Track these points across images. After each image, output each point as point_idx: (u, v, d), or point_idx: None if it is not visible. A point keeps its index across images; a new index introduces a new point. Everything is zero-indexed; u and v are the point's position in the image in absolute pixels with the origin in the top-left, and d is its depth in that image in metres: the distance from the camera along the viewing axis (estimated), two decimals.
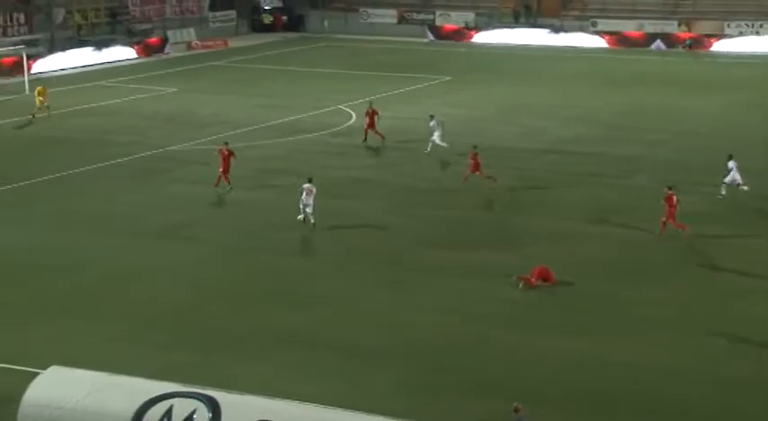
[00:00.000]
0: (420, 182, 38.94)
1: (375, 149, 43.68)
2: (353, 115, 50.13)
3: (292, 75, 63.05)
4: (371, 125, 43.70)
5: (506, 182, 37.48)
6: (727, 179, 35.57)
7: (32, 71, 58.73)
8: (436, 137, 41.88)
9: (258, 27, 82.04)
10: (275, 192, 37.61)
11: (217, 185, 37.23)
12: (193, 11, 78.03)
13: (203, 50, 72.78)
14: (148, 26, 73.60)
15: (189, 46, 73.65)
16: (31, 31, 66.42)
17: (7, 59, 60.53)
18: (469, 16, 78.73)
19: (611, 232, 32.75)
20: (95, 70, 63.83)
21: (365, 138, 43.98)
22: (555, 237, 32.21)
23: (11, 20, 65.74)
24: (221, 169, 37.27)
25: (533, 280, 28.17)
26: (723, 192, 35.75)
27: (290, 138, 45.39)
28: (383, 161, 42.17)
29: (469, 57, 70.14)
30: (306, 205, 33.17)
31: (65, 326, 25.71)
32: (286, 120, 49.37)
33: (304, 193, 33.19)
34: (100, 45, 67.44)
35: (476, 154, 37.46)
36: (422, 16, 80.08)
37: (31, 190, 37.70)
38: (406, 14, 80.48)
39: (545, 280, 28.31)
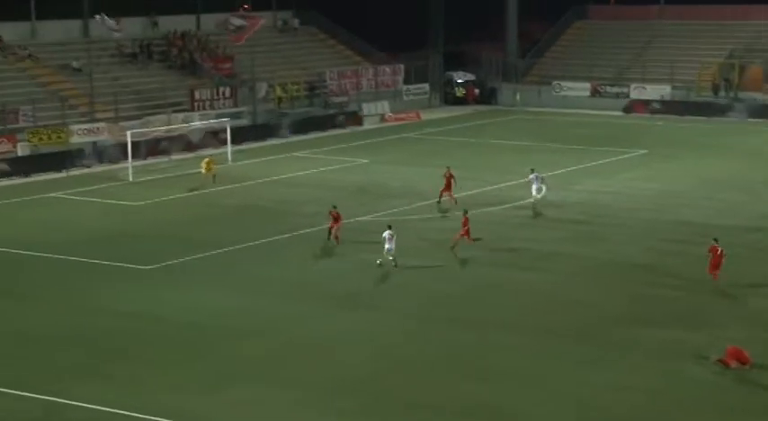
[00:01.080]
0: (610, 255, 38.24)
1: (571, 222, 43.23)
2: (543, 188, 49.75)
3: (483, 147, 63.22)
4: (447, 188, 45.78)
5: (701, 259, 36.29)
6: None
7: (234, 143, 60.82)
8: (534, 190, 44.78)
9: (451, 100, 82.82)
10: (463, 263, 37.56)
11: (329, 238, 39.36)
12: (388, 84, 79.57)
13: (396, 123, 73.90)
14: (344, 99, 75.43)
15: (382, 118, 74.93)
16: (235, 105, 69.11)
17: (213, 130, 62.91)
18: (665, 89, 77.38)
19: None
20: (292, 142, 65.58)
21: (439, 201, 46.22)
22: (752, 318, 30.89)
23: (218, 94, 68.65)
24: (331, 228, 39.58)
25: (729, 361, 27.05)
26: None
27: (479, 210, 45.36)
28: (573, 234, 41.70)
29: (666, 130, 68.81)
30: (389, 250, 36.36)
31: (250, 391, 26.15)
32: (475, 191, 49.47)
33: (386, 241, 36.28)
34: (298, 117, 69.42)
35: (466, 219, 38.19)
36: (616, 89, 79.19)
37: (227, 256, 38.87)
38: (599, 87, 79.78)
39: (740, 362, 27.14)
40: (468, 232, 38.52)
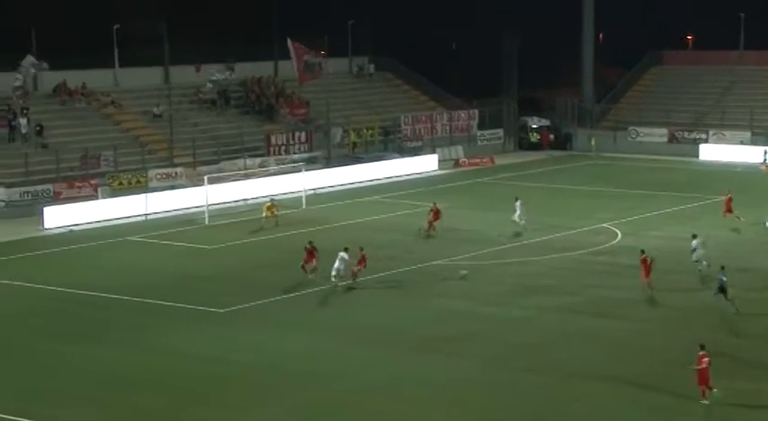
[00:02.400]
0: (687, 303, 37.80)
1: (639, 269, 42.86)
2: (619, 234, 49.42)
3: (557, 192, 62.94)
4: (435, 220, 49.53)
5: None
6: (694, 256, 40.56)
7: (309, 187, 61.37)
8: (516, 216, 49.27)
9: (525, 145, 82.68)
10: (532, 311, 37.45)
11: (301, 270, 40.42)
12: (463, 129, 79.79)
13: (470, 168, 73.95)
14: (418, 143, 75.76)
15: (456, 163, 75.09)
16: (311, 149, 69.81)
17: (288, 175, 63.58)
18: (746, 135, 76.43)
19: None
20: (366, 186, 65.96)
21: (427, 233, 49.55)
22: None
23: (293, 138, 69.42)
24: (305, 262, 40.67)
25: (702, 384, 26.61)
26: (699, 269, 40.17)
27: (553, 256, 45.14)
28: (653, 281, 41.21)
29: (745, 176, 67.97)
30: (337, 269, 38.38)
31: None
32: (549, 237, 49.29)
33: (338, 261, 38.47)
34: (372, 161, 69.87)
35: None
36: (694, 135, 78.46)
37: (300, 300, 39.16)
38: (677, 133, 79.11)
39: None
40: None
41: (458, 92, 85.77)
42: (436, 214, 50.29)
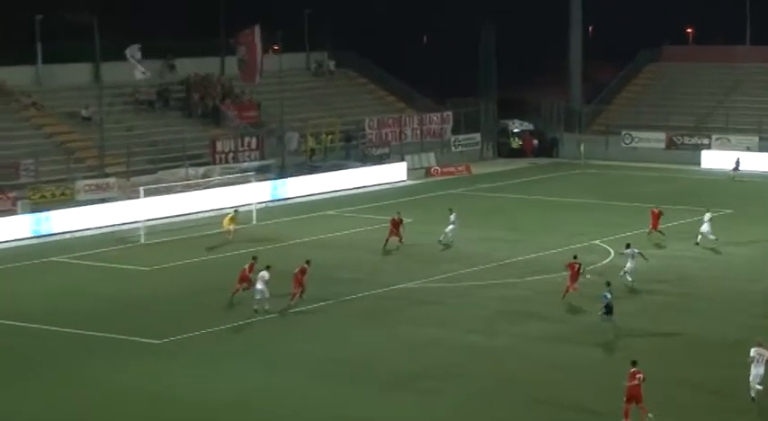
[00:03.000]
0: (694, 331, 37.81)
1: (646, 292, 43.00)
2: (611, 252, 49.36)
3: (541, 205, 62.89)
4: (396, 232, 50.62)
5: None
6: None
7: (260, 199, 60.95)
8: (449, 230, 50.98)
9: (505, 152, 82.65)
10: (516, 339, 37.26)
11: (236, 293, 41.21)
12: (435, 133, 79.65)
13: (444, 177, 73.80)
14: (385, 150, 75.55)
15: (428, 172, 74.93)
16: (262, 157, 69.45)
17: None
18: (753, 141, 76.75)
19: None
20: (325, 199, 65.68)
21: (385, 245, 50.53)
22: None
23: (242, 144, 68.96)
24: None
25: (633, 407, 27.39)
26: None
27: (539, 277, 45.00)
28: (650, 307, 41.37)
29: (755, 186, 68.17)
30: (260, 292, 39.10)
31: None
32: (532, 256, 49.22)
33: (259, 282, 39.08)
34: (332, 171, 69.57)
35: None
36: (695, 140, 78.69)
37: (250, 329, 38.81)
38: (676, 138, 79.34)
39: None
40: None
41: (429, 92, 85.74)
42: (396, 226, 50.97)
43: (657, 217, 52.40)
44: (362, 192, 68.39)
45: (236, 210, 54.35)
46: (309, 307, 41.13)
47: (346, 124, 76.55)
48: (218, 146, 67.91)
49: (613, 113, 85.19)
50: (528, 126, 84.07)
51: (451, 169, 75.57)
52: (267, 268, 40.41)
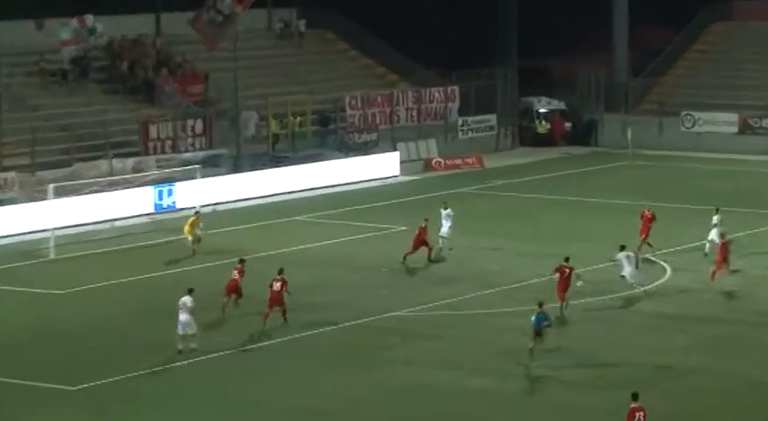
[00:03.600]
0: (759, 372, 37.98)
1: (704, 321, 43.24)
2: (667, 270, 49.52)
3: (576, 208, 62.85)
4: (422, 242, 50.87)
5: None
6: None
7: (208, 201, 60.87)
8: (444, 232, 52.41)
9: (529, 139, 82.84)
10: (539, 384, 37.42)
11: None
12: (437, 115, 79.58)
13: (447, 172, 73.80)
14: (371, 137, 75.46)
15: (427, 165, 74.92)
16: (210, 145, 69.39)
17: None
18: None
19: None
20: (293, 201, 65.65)
21: (406, 257, 50.90)
22: None
23: (184, 129, 68.86)
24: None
25: None
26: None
27: (570, 303, 44.97)
28: (708, 340, 41.54)
29: None
30: (184, 325, 38.94)
31: None
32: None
33: (181, 311, 39.00)
34: (302, 163, 69.58)
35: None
36: None
37: (191, 371, 38.66)
38: (751, 121, 79.46)
39: None
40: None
41: (430, 60, 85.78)
42: (421, 234, 51.00)
43: (650, 221, 52.47)
44: (342, 191, 68.38)
45: (197, 212, 54.31)
46: (270, 342, 41.09)
47: (321, 103, 76.71)
48: (153, 131, 67.96)
49: (669, 88, 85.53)
50: (558, 105, 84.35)
51: (458, 161, 75.65)
52: (189, 292, 40.19)
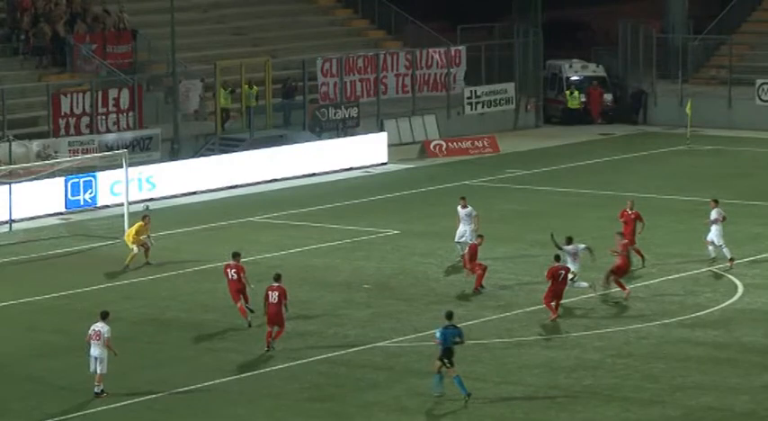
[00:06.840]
0: None
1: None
2: (739, 286, 49.76)
3: (617, 205, 62.92)
4: (473, 260, 50.85)
5: None
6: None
7: (140, 196, 61.03)
8: (466, 236, 53.18)
9: (558, 115, 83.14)
10: None
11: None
12: (437, 84, 79.65)
13: (450, 158, 74.05)
14: (350, 113, 75.50)
15: (425, 149, 75.10)
16: (139, 124, 69.53)
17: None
18: None
19: None
20: (249, 196, 66.17)
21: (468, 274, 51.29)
22: None
23: (105, 103, 68.85)
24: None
25: None
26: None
27: (617, 329, 45.27)
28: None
29: None
30: (97, 359, 39.58)
31: None
32: (609, 291, 49.61)
33: (93, 345, 39.57)
34: (260, 147, 69.74)
35: None
36: None
37: (128, 414, 38.86)
38: None
39: None
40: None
41: (428, 12, 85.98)
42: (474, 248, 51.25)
43: (635, 222, 53.13)
44: (312, 183, 68.73)
45: (145, 215, 54.40)
46: (226, 379, 41.15)
47: (285, 68, 76.85)
48: (64, 104, 68.14)
49: (740, 50, 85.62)
50: (596, 71, 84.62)
51: (465, 145, 75.81)
52: (104, 317, 39.91)
